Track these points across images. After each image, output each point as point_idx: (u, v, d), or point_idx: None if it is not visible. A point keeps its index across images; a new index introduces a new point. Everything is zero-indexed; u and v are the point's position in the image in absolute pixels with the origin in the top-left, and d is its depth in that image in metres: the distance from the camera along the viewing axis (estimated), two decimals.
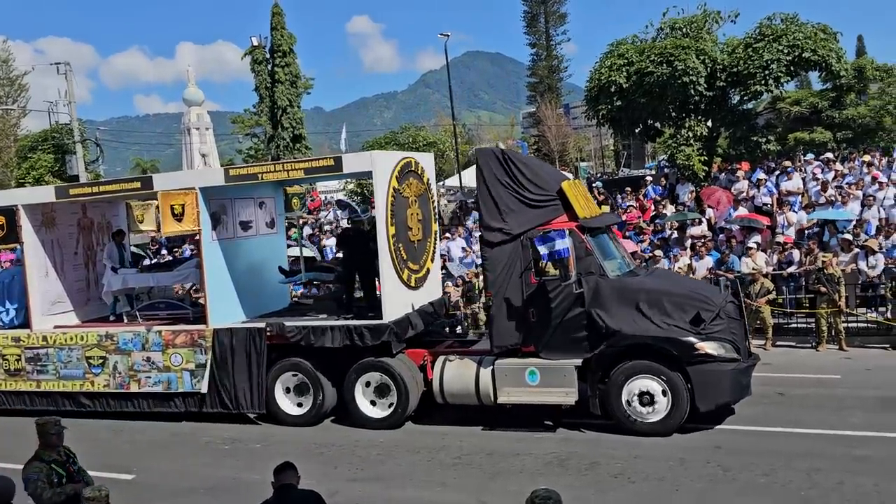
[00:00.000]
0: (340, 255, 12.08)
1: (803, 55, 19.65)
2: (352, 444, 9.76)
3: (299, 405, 10.67)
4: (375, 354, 10.21)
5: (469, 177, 29.39)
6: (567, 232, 9.14)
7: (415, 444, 9.61)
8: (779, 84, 20.75)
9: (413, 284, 11.00)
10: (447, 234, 18.62)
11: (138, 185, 12.00)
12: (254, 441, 10.23)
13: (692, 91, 20.05)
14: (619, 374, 9.20)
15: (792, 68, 20.21)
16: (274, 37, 39.36)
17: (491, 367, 9.76)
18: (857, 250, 13.79)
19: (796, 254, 14.26)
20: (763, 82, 19.92)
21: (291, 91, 39.73)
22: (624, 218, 17.67)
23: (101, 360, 11.53)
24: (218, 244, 11.39)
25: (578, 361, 9.37)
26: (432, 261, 11.89)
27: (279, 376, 10.68)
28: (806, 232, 15.71)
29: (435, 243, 12.13)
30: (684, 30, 21.96)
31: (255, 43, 39.47)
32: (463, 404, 10.04)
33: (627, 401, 9.17)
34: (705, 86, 20.19)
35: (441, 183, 30.35)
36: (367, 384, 10.30)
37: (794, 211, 16.20)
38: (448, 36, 34.50)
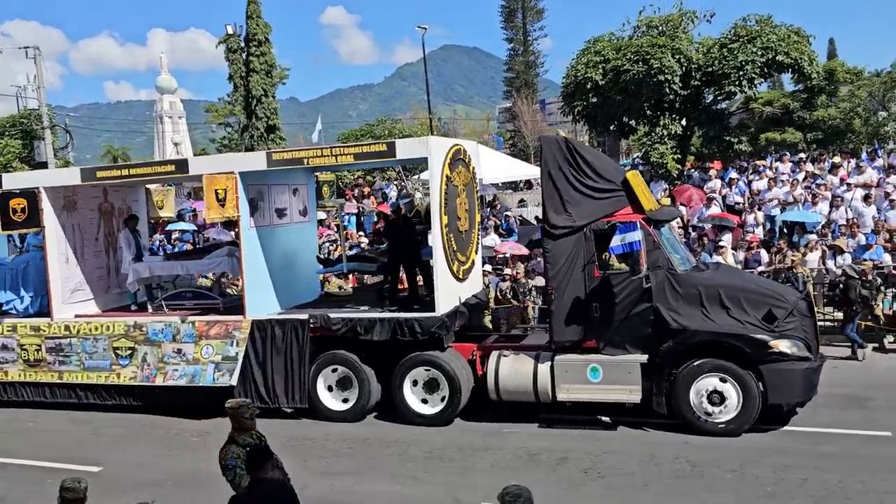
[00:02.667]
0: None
1: (776, 57, 19.94)
2: (323, 438, 9.70)
3: (344, 400, 10.28)
4: (424, 348, 9.87)
5: None
6: (638, 224, 8.84)
7: (386, 437, 9.59)
8: (752, 85, 21.04)
9: (461, 276, 10.66)
10: None
11: (173, 168, 11.56)
12: (226, 434, 10.09)
13: (667, 90, 20.24)
14: (687, 371, 8.92)
15: (765, 70, 20.51)
16: (249, 25, 38.86)
17: (549, 362, 9.46)
18: (820, 250, 14.05)
19: (764, 253, 14.46)
20: (737, 83, 20.18)
21: (266, 81, 39.29)
22: None
23: (129, 351, 11.08)
24: (255, 231, 10.97)
25: (644, 358, 9.09)
26: (476, 252, 11.61)
27: (322, 370, 10.31)
28: (776, 231, 15.95)
29: (478, 234, 11.82)
30: (660, 28, 22.15)
31: (230, 31, 38.92)
32: (518, 401, 9.73)
33: (696, 400, 8.91)
34: (680, 85, 20.39)
35: (416, 176, 30.27)
36: (416, 380, 9.94)
37: (759, 210, 16.45)
38: (426, 29, 34.34)
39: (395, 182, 27.88)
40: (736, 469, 7.90)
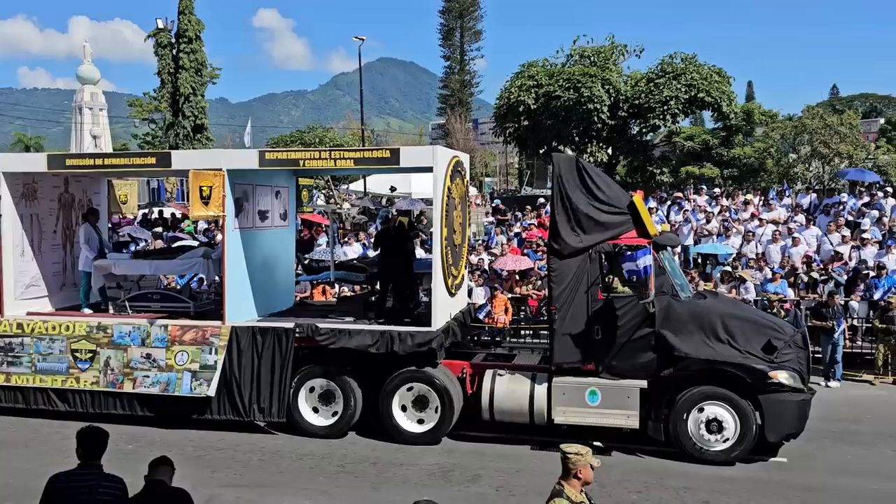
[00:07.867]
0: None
1: (698, 95, 20.90)
2: (232, 448, 9.42)
3: (322, 414, 9.84)
4: (415, 363, 9.52)
5: (373, 183, 29.11)
6: (649, 248, 8.69)
7: (299, 450, 9.38)
8: (675, 120, 21.95)
9: (453, 291, 10.38)
10: (346, 239, 18.46)
11: (153, 160, 10.98)
12: (125, 441, 9.68)
13: (595, 118, 20.88)
14: (686, 399, 8.88)
15: (688, 106, 21.45)
16: (181, 21, 37.97)
17: (547, 383, 9.30)
18: (734, 281, 14.66)
19: None
20: (661, 117, 21.02)
21: (196, 79, 38.41)
22: (524, 236, 18.07)
23: (89, 354, 10.27)
24: (238, 233, 10.38)
25: (643, 383, 8.99)
26: (465, 267, 11.37)
27: (304, 383, 9.81)
28: (690, 261, 16.58)
29: (467, 249, 11.55)
30: (592, 58, 22.85)
31: (161, 25, 37.93)
32: (511, 422, 9.51)
33: (694, 427, 8.88)
34: (608, 114, 21.06)
35: (346, 187, 29.98)
36: (406, 396, 9.61)
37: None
38: (363, 40, 34.24)
39: (322, 190, 27.57)
40: (641, 490, 8.11)
